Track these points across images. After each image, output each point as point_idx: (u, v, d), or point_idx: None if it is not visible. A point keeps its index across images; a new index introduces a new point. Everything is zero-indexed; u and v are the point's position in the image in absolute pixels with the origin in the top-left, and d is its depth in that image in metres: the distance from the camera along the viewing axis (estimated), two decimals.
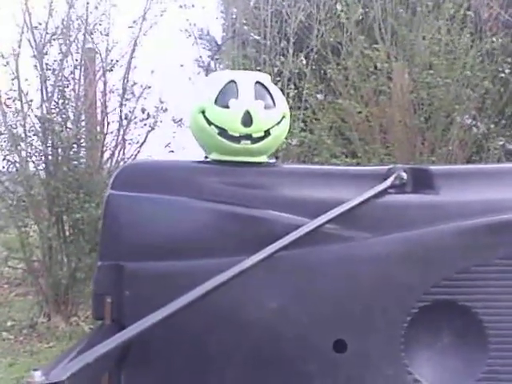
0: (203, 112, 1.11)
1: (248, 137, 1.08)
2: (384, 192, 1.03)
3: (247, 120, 1.08)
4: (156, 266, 1.03)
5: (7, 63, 3.35)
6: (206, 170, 1.12)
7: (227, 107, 1.09)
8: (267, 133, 1.09)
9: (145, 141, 3.60)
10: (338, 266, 0.99)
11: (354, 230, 1.00)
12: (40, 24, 3.39)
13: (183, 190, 1.07)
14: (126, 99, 3.61)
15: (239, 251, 0.98)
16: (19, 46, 3.38)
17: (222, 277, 0.77)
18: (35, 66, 3.40)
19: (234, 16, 4.01)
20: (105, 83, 3.72)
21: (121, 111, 3.68)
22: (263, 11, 3.52)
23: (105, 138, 3.59)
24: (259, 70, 3.28)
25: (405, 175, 1.05)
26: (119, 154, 3.60)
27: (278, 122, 1.11)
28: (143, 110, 3.64)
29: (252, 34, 3.77)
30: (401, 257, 1.01)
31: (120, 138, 3.64)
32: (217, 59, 3.63)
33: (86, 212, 3.12)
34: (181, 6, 3.55)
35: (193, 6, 3.55)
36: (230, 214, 1.05)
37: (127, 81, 3.73)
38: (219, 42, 4.75)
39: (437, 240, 1.01)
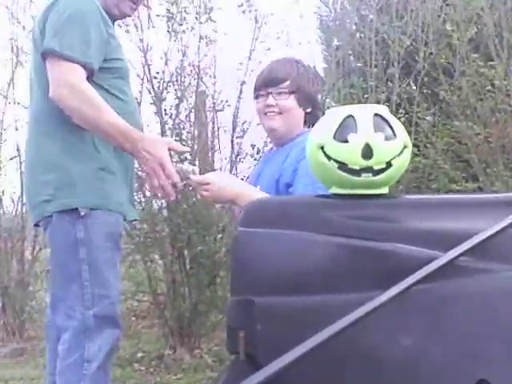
0: (322, 147, 1.13)
1: (369, 169, 1.09)
2: None
3: (367, 153, 1.09)
4: (285, 301, 1.05)
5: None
6: (329, 204, 1.13)
7: (346, 141, 1.10)
8: (389, 164, 1.09)
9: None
10: (476, 300, 0.95)
11: (491, 261, 0.95)
12: (157, 73, 3.66)
13: (309, 225, 1.09)
14: (238, 136, 3.76)
15: (367, 286, 0.97)
16: (140, 95, 3.66)
17: (358, 313, 0.77)
18: (155, 112, 3.66)
19: (336, 47, 4.05)
20: (216, 123, 3.92)
21: (232, 148, 3.84)
22: (367, 40, 3.53)
23: None
24: (366, 98, 3.28)
25: None
26: None
27: (400, 153, 1.10)
28: (253, 146, 3.77)
29: (356, 63, 3.78)
30: None
31: (231, 173, 3.79)
32: (323, 91, 3.66)
33: (205, 246, 3.26)
34: (286, 45, 3.66)
35: (299, 43, 3.64)
36: (356, 248, 1.05)
37: (237, 119, 3.89)
38: (322, 74, 4.82)
39: None
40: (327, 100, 3.57)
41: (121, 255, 1.86)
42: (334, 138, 1.12)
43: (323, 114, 1.74)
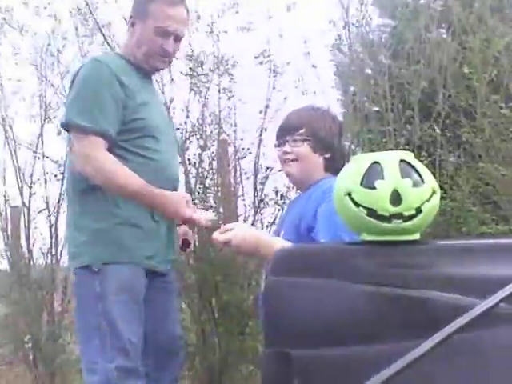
0: (349, 194, 1.15)
1: (399, 216, 1.09)
2: None
3: (396, 199, 1.09)
4: (321, 353, 1.04)
5: None
6: (359, 252, 1.13)
7: (374, 188, 1.11)
8: (418, 210, 1.10)
9: (273, 221, 3.72)
10: None
11: None
12: (180, 125, 3.76)
13: (339, 274, 1.09)
14: (261, 183, 3.80)
15: (401, 335, 0.96)
16: None
17: (399, 364, 0.76)
18: (179, 162, 3.73)
19: (353, 93, 4.11)
20: (238, 170, 3.97)
21: (255, 194, 3.87)
22: (382, 84, 3.57)
23: (243, 221, 3.77)
24: (385, 142, 3.29)
25: None
26: None
27: (429, 199, 1.11)
28: (276, 192, 3.79)
29: (373, 108, 3.82)
30: None
31: (255, 219, 3.81)
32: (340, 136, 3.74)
33: (233, 294, 3.24)
34: (303, 94, 3.73)
35: (314, 92, 3.71)
36: (389, 297, 1.04)
37: (258, 165, 3.94)
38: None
39: None
40: (352, 146, 3.60)
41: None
42: (361, 184, 1.14)
43: (343, 157, 1.77)
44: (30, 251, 4.17)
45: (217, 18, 3.75)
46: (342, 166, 1.67)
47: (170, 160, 1.95)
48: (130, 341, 1.75)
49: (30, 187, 4.19)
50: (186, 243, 2.10)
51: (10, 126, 4.15)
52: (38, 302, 4.00)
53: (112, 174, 1.77)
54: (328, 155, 1.67)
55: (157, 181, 1.83)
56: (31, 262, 4.18)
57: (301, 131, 1.65)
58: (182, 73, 3.72)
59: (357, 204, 1.13)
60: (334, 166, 1.66)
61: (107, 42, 3.89)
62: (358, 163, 1.17)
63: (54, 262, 4.04)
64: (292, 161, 1.68)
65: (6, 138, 4.15)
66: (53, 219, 4.08)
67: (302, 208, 1.65)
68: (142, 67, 1.95)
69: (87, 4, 3.87)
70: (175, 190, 1.98)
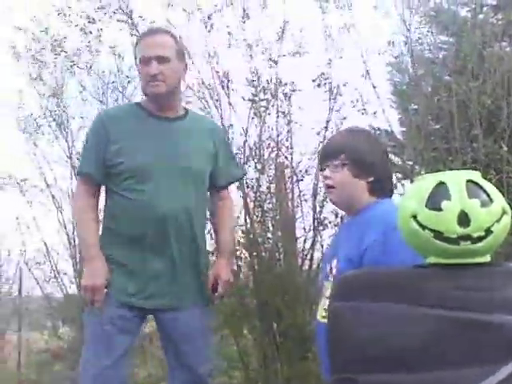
0: (415, 216, 1.12)
1: (467, 237, 1.06)
2: None
3: (464, 220, 1.06)
4: (389, 379, 1.02)
5: None
6: (428, 275, 1.11)
7: (440, 210, 1.09)
8: (488, 231, 1.06)
9: None
10: None
11: None
12: (239, 149, 3.81)
13: (407, 298, 1.07)
14: (320, 206, 3.78)
15: (473, 360, 0.92)
16: None
17: None
18: (237, 186, 3.78)
19: (414, 111, 4.04)
20: (295, 192, 3.97)
21: (314, 217, 3.85)
22: (445, 101, 3.50)
23: (302, 243, 3.75)
24: (451, 161, 3.21)
25: None
26: (312, 258, 3.72)
27: (498, 219, 1.07)
28: (336, 214, 3.76)
29: (435, 126, 3.74)
30: None
31: (314, 241, 3.78)
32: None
33: (294, 318, 3.21)
34: (362, 114, 3.70)
35: (374, 113, 3.68)
36: (459, 321, 1.01)
37: (317, 187, 3.92)
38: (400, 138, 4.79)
39: None
40: (415, 166, 3.52)
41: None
42: (427, 206, 1.11)
43: (390, 179, 1.72)
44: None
45: (274, 44, 3.81)
46: (391, 188, 1.63)
47: (160, 199, 1.93)
48: (93, 364, 1.94)
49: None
50: (214, 287, 2.06)
51: (78, 159, 4.34)
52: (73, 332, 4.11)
53: (77, 221, 2.18)
54: (371, 179, 1.62)
55: (142, 220, 1.92)
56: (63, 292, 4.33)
57: (340, 156, 1.62)
58: (243, 98, 3.78)
59: (423, 226, 1.11)
60: (380, 189, 1.60)
61: None
62: (423, 184, 1.15)
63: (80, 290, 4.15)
64: (333, 187, 1.65)
65: (74, 172, 4.33)
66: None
67: (358, 242, 1.59)
68: (151, 104, 2.03)
69: None
70: (164, 229, 1.94)
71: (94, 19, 3.95)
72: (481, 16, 4.01)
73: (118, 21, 3.91)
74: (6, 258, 5.89)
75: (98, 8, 3.90)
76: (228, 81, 3.82)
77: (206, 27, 3.81)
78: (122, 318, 1.93)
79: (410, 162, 3.48)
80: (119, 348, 1.92)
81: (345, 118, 3.89)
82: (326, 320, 1.23)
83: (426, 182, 1.14)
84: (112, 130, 1.98)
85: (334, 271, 1.51)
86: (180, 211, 1.95)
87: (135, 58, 2.06)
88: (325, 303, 1.48)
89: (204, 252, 2.12)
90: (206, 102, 3.87)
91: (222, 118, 3.79)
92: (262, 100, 3.74)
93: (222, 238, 2.15)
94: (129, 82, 4.18)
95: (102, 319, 1.93)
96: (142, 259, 1.94)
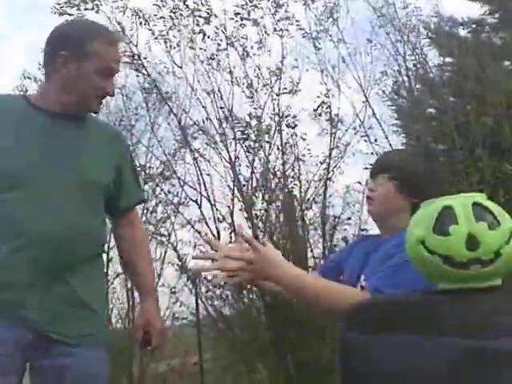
0: (422, 242, 1.11)
1: (477, 261, 1.04)
2: None
3: (473, 244, 1.05)
4: None
5: (223, 218, 3.82)
6: (442, 303, 1.08)
7: (448, 234, 1.07)
8: (497, 253, 1.04)
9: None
10: None
11: None
12: (246, 181, 3.84)
13: (420, 327, 1.04)
14: (330, 234, 3.77)
15: None
16: (232, 203, 3.85)
17: None
18: (246, 217, 3.79)
19: (417, 136, 4.05)
20: (304, 220, 3.96)
21: (323, 244, 3.83)
22: (447, 122, 3.51)
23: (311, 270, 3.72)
24: (458, 182, 3.19)
25: None
26: None
27: (508, 240, 1.05)
28: (346, 241, 3.74)
29: (437, 147, 3.74)
30: None
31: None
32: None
33: (308, 351, 3.16)
34: (365, 140, 3.73)
35: (375, 140, 3.71)
36: (477, 349, 0.98)
37: (325, 215, 3.91)
38: None
39: None
40: None
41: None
42: (434, 231, 1.10)
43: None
44: (108, 316, 4.29)
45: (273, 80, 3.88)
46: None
47: (30, 215, 1.46)
48: None
49: (108, 253, 4.35)
50: (146, 339, 1.60)
51: None
52: (117, 367, 4.07)
53: None
54: (416, 200, 1.59)
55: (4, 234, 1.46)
56: (111, 327, 4.28)
57: (390, 171, 1.61)
58: (243, 134, 3.84)
59: (431, 252, 1.09)
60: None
61: (173, 112, 4.11)
62: (429, 209, 1.14)
63: (132, 326, 4.13)
64: (372, 199, 1.63)
65: None
66: (130, 283, 4.19)
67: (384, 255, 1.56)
68: (54, 110, 1.55)
69: (153, 80, 4.15)
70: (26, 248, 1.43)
71: None
72: (484, 34, 4.05)
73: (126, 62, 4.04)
74: None
75: None
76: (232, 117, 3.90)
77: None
78: None
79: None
80: None
81: (348, 144, 3.93)
82: None
83: (432, 207, 1.13)
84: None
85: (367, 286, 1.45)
86: (58, 233, 1.45)
87: (72, 53, 1.50)
88: None
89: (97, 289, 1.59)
90: (212, 137, 3.94)
91: (228, 152, 3.84)
92: (265, 134, 3.79)
93: (143, 275, 1.66)
94: None
95: None
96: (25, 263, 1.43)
